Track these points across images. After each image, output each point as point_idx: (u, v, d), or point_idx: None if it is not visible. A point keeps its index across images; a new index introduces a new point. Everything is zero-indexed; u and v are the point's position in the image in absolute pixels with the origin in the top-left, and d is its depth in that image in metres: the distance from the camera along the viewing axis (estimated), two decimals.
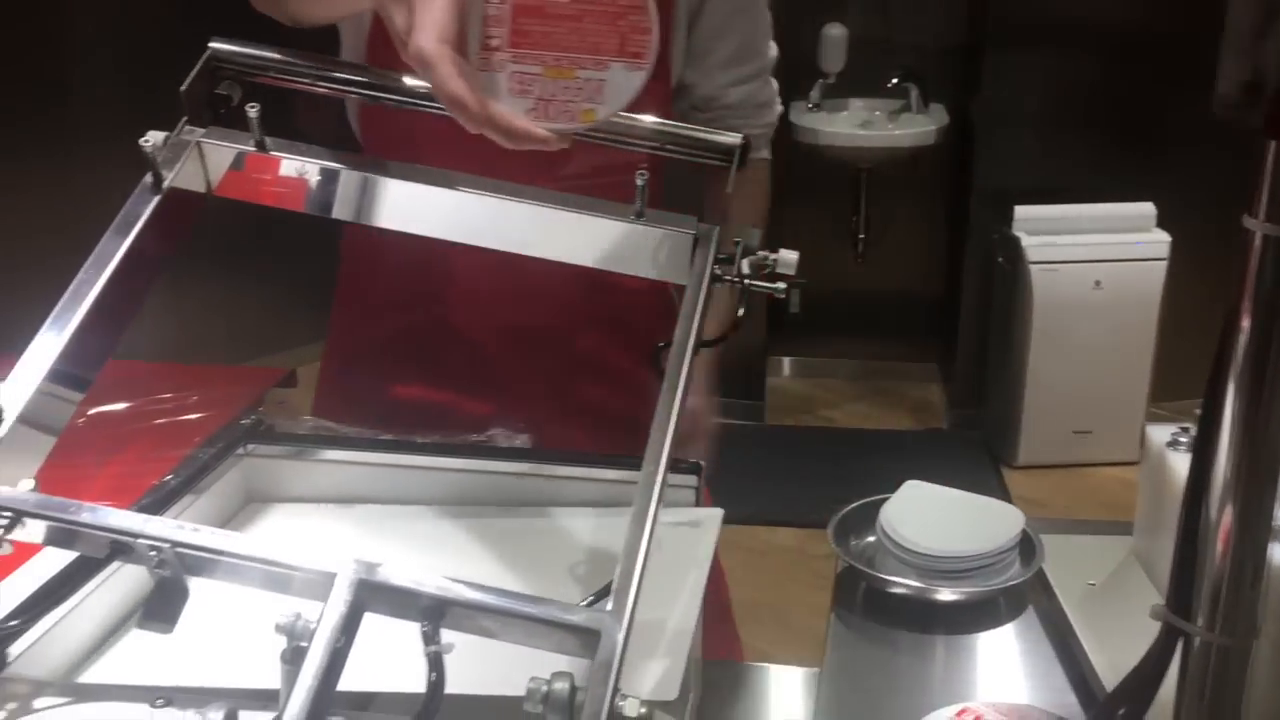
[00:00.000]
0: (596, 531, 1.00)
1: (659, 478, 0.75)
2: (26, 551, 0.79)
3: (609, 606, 0.70)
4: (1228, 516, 0.68)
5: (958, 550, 0.98)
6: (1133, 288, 3.42)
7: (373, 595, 0.69)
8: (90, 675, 0.79)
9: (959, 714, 0.79)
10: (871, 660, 0.96)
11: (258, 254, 3.11)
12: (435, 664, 0.67)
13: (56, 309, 0.80)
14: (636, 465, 1.04)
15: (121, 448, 1.14)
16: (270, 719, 0.64)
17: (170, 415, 1.20)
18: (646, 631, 0.70)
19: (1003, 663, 0.97)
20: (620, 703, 0.66)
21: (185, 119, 0.90)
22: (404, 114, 0.91)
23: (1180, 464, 0.91)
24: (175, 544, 0.69)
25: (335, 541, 0.97)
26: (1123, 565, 0.99)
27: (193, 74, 0.89)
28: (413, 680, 0.70)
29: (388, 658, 0.70)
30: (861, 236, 4.01)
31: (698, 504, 1.01)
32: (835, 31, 3.74)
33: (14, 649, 0.76)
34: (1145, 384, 3.49)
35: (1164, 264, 3.41)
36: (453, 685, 0.68)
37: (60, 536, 0.71)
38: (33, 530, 0.71)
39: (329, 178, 0.91)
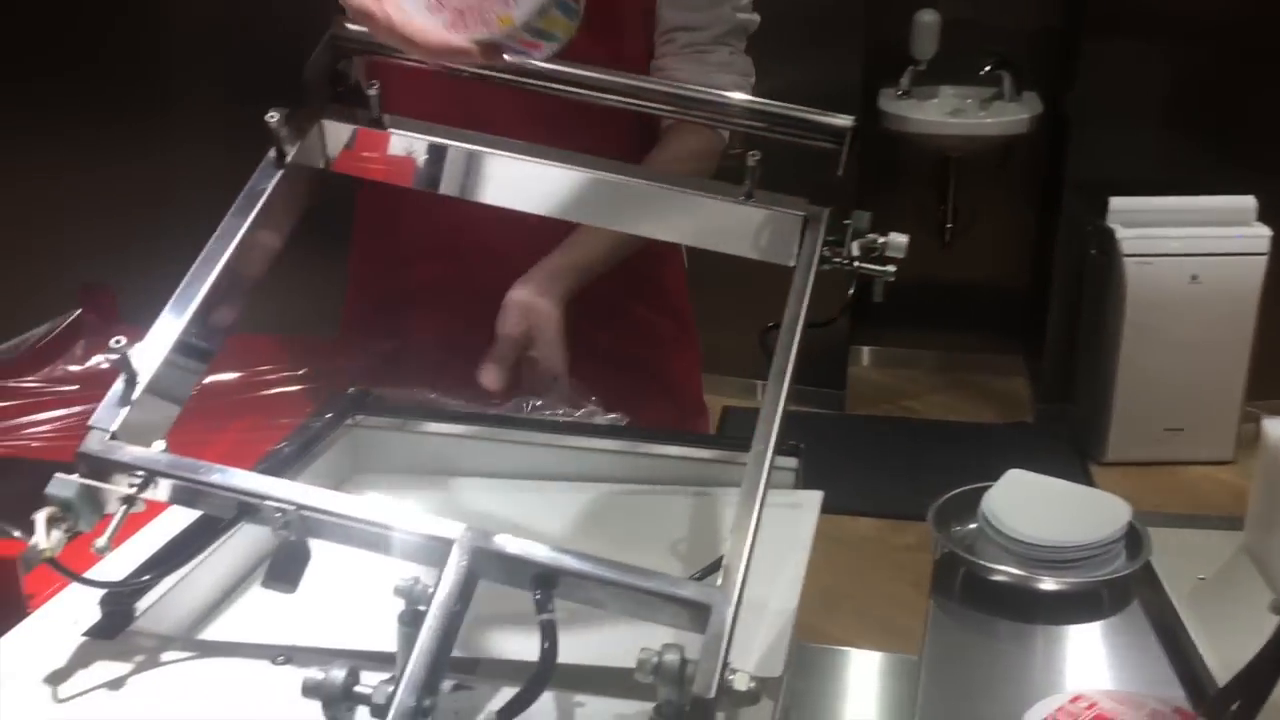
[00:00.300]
0: (693, 510, 1.01)
1: (768, 457, 0.76)
2: (153, 511, 0.82)
3: (718, 582, 0.70)
4: None
5: (1063, 540, 0.97)
6: (1231, 282, 3.33)
7: (488, 562, 0.70)
8: (211, 633, 0.81)
9: (1073, 700, 0.78)
10: (972, 648, 0.96)
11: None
12: (548, 632, 0.68)
13: (183, 282, 0.83)
14: (729, 446, 1.05)
15: (232, 418, 1.17)
16: (388, 679, 0.66)
17: (279, 386, 1.23)
18: (750, 609, 0.70)
19: (1104, 654, 0.96)
20: (730, 676, 0.67)
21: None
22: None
23: None
24: (300, 506, 0.71)
25: (441, 511, 0.99)
26: (1233, 560, 0.98)
27: (315, 52, 0.91)
28: (512, 648, 0.71)
29: (490, 628, 0.71)
30: (949, 226, 3.96)
31: (797, 486, 1.01)
32: (928, 18, 3.69)
33: (140, 605, 0.79)
34: (1241, 381, 3.39)
35: (1264, 259, 3.31)
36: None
37: (189, 496, 0.74)
38: (164, 490, 0.74)
39: (443, 155, 0.93)
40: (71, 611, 0.79)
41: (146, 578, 0.78)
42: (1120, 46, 3.45)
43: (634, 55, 1.32)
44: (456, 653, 0.68)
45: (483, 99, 1.09)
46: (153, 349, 0.79)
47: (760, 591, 0.82)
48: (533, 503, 1.01)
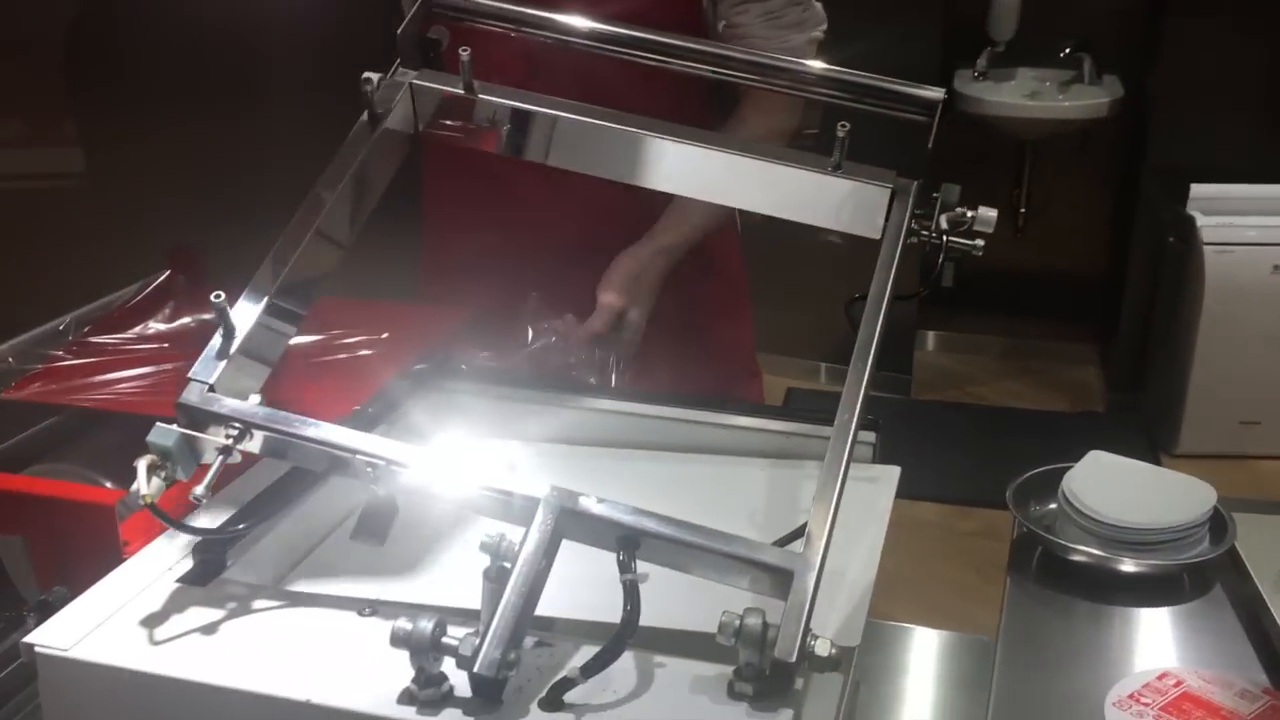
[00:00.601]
0: (767, 481, 1.01)
1: (853, 427, 0.76)
2: (245, 462, 0.84)
3: (801, 549, 0.71)
4: None
5: (1146, 522, 0.96)
6: None
7: (573, 523, 0.71)
8: (299, 584, 0.83)
9: (1160, 678, 0.77)
10: (1049, 627, 0.95)
11: None
12: (631, 593, 0.69)
13: (276, 244, 0.85)
14: (806, 419, 1.05)
15: (314, 380, 1.19)
16: (472, 632, 0.67)
17: (360, 350, 1.24)
18: (828, 578, 0.70)
19: (1184, 637, 0.95)
20: (812, 642, 0.67)
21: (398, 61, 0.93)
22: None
23: None
24: (390, 462, 0.72)
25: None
26: None
27: (409, 17, 0.92)
28: (589, 609, 0.72)
29: (567, 588, 0.72)
30: (1022, 210, 3.90)
31: (874, 460, 1.01)
32: None
33: (231, 554, 0.81)
34: None
35: None
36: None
37: (283, 449, 0.76)
38: (258, 442, 0.76)
39: (534, 122, 0.93)
40: (165, 559, 0.81)
41: (240, 527, 0.80)
42: (1204, 28, 3.37)
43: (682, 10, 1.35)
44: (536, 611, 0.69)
45: (557, 71, 1.12)
46: (246, 309, 0.81)
47: (838, 561, 0.82)
48: (610, 469, 1.02)
